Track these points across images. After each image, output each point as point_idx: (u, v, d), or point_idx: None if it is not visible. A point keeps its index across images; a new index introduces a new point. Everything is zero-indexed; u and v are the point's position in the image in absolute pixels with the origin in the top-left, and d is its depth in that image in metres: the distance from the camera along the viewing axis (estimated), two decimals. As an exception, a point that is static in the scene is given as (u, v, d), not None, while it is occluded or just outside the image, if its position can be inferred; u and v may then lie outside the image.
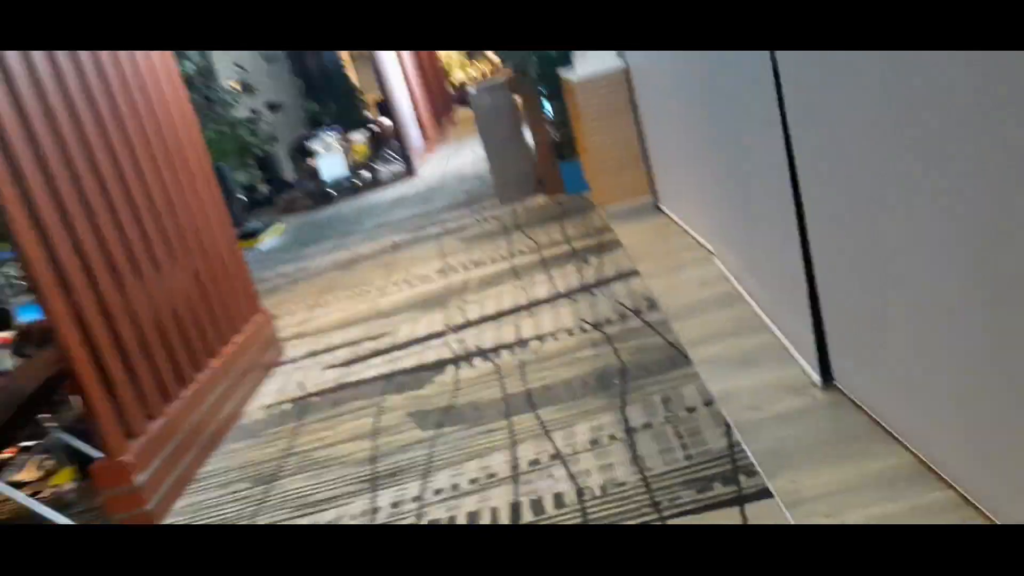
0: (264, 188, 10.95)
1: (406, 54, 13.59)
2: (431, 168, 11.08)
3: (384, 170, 11.43)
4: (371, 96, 20.39)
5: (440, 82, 19.35)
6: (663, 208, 4.92)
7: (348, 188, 10.55)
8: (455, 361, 3.52)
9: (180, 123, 3.97)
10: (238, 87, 12.06)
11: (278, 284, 6.30)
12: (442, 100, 18.26)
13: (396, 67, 12.15)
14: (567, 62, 5.95)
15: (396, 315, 4.52)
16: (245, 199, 9.78)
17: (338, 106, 16.69)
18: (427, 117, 13.90)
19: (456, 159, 11.40)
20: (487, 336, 3.72)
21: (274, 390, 3.86)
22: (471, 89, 6.98)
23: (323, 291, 5.63)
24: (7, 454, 3.38)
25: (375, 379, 3.60)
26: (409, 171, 10.78)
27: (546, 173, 6.52)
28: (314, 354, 4.25)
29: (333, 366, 3.96)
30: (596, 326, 3.42)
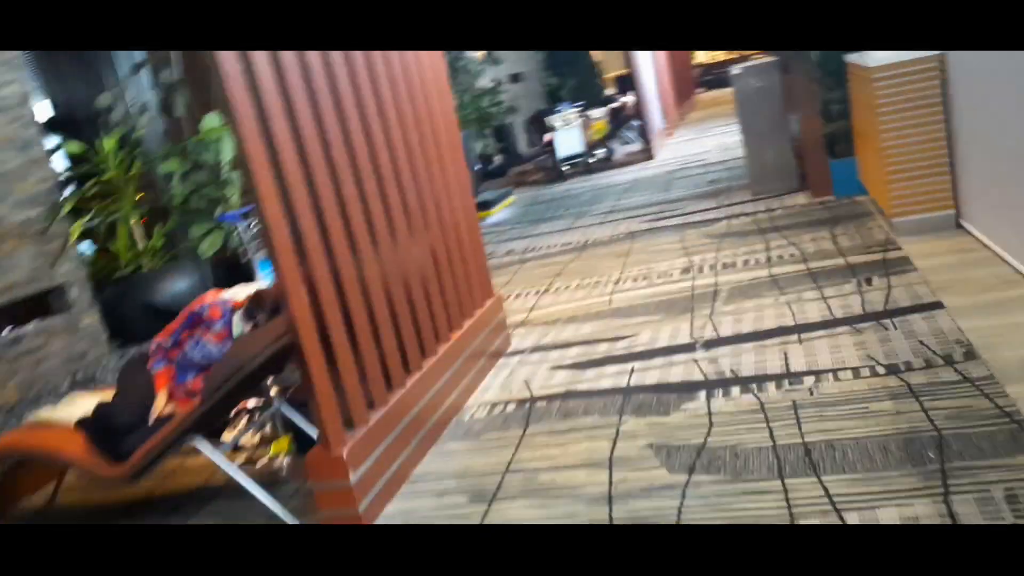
0: (499, 158, 10.90)
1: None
2: (670, 152, 10.46)
3: (621, 150, 10.97)
4: (611, 74, 19.97)
5: (684, 62, 18.47)
6: (967, 226, 4.05)
7: (582, 166, 10.22)
8: (707, 386, 3.01)
9: (434, 91, 3.75)
10: (482, 56, 12.09)
11: (506, 262, 6.07)
12: (685, 81, 17.40)
13: (645, 43, 11.56)
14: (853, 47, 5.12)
15: (634, 316, 4.06)
16: (481, 167, 9.74)
17: (577, 81, 16.44)
18: (670, 97, 13.22)
19: (697, 144, 10.68)
20: (746, 360, 3.16)
21: (498, 385, 3.56)
22: (734, 69, 6.30)
23: (553, 275, 5.30)
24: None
25: (611, 392, 3.17)
26: (647, 153, 10.23)
27: (812, 169, 5.73)
28: (542, 348, 3.91)
29: (563, 366, 3.59)
30: (894, 370, 2.76)
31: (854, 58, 4.95)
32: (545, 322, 4.34)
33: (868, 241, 4.38)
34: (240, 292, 2.94)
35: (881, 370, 2.77)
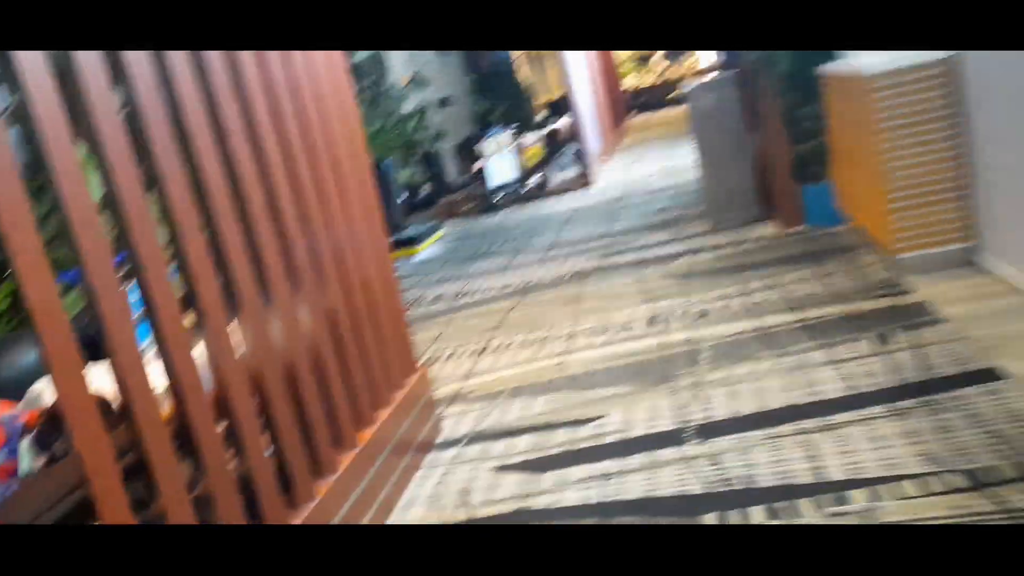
0: (427, 188, 10.03)
1: (589, 51, 12.36)
2: (610, 178, 9.77)
3: (558, 176, 10.25)
4: (544, 97, 19.40)
5: (615, 85, 18.05)
6: (987, 262, 3.37)
7: (517, 194, 9.44)
8: (714, 502, 2.18)
9: (336, 112, 2.88)
10: (408, 80, 11.27)
11: (436, 311, 5.19)
12: (618, 105, 16.92)
13: (580, 62, 10.92)
14: (828, 55, 4.47)
15: (597, 387, 3.23)
16: (404, 198, 8.86)
17: (509, 105, 15.76)
18: (606, 121, 12.62)
19: (637, 169, 10.03)
20: (759, 459, 2.35)
21: (425, 496, 2.66)
22: (687, 85, 5.61)
23: (492, 328, 4.44)
24: None
25: (580, 510, 2.32)
26: (586, 179, 9.52)
27: (780, 196, 5.05)
28: (483, 437, 3.03)
29: (511, 466, 2.73)
30: (978, 481, 1.98)
31: (834, 67, 4.29)
32: (485, 395, 3.47)
33: (866, 282, 3.66)
34: (46, 399, 1.99)
35: (960, 480, 2.00)
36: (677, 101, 22.77)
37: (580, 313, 4.32)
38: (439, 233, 8.07)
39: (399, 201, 7.82)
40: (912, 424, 2.32)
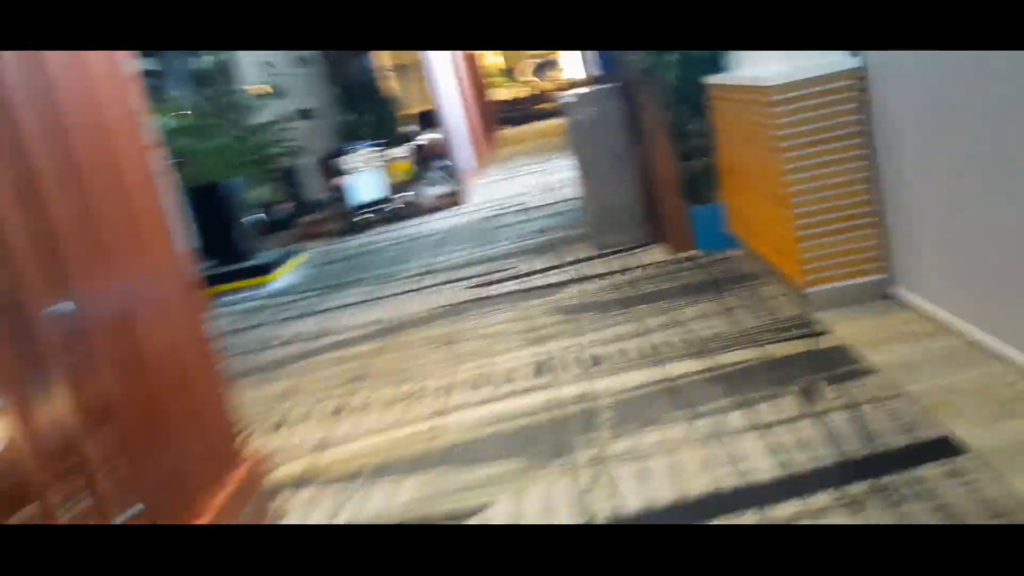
0: (285, 207, 9.18)
1: (457, 62, 11.83)
2: (484, 194, 9.27)
3: (427, 193, 9.64)
4: (413, 109, 18.75)
5: (484, 97, 17.66)
6: (904, 295, 3.04)
7: (384, 213, 8.76)
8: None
9: (118, 122, 2.17)
10: (265, 90, 10.36)
11: (288, 355, 4.46)
12: (488, 117, 16.51)
13: (448, 73, 10.37)
14: (716, 65, 4.11)
15: (479, 462, 2.65)
16: (262, 218, 8.00)
17: (376, 118, 15.01)
18: (478, 134, 12.13)
19: (513, 185, 9.58)
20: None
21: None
22: (566, 96, 5.16)
23: (352, 380, 3.78)
24: None
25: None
26: (457, 196, 8.96)
27: (668, 218, 4.66)
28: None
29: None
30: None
31: (723, 78, 3.92)
32: (341, 475, 2.81)
33: (775, 319, 3.27)
34: None
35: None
36: (548, 114, 22.73)
37: (456, 358, 3.73)
38: (298, 259, 7.28)
39: (249, 222, 6.98)
40: (871, 517, 1.87)
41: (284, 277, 6.75)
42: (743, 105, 3.55)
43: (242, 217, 6.77)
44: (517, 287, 4.77)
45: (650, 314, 3.70)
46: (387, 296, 5.30)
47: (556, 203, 7.46)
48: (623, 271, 4.55)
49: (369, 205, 8.59)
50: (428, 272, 5.76)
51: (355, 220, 8.52)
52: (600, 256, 5.01)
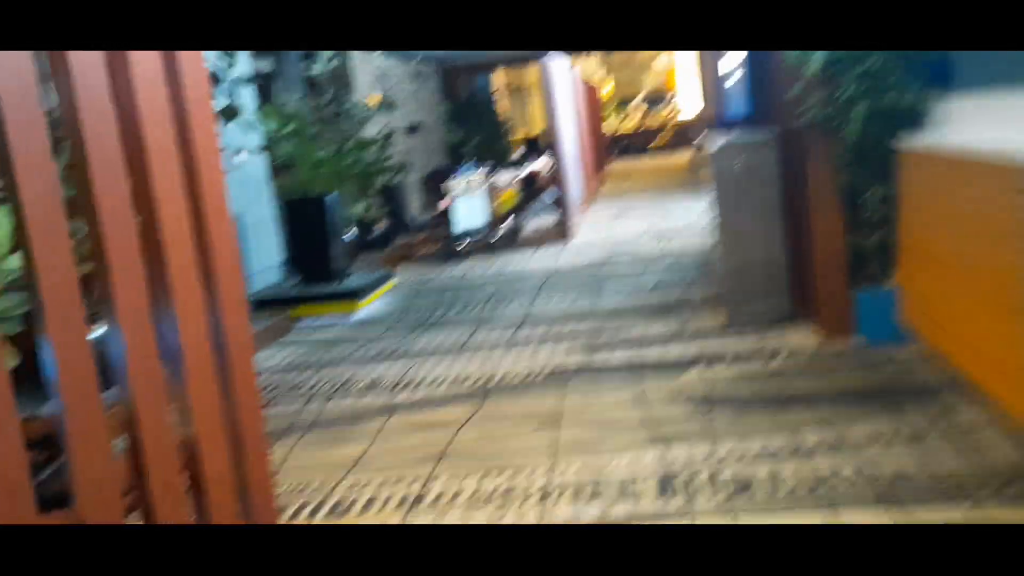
0: (382, 225, 8.76)
1: (577, 86, 11.26)
2: (591, 233, 8.61)
3: (532, 224, 9.07)
4: (522, 133, 18.31)
5: (599, 127, 17.06)
6: None
7: (485, 242, 8.22)
8: None
9: (201, 136, 1.64)
10: (377, 100, 10.04)
11: (364, 408, 3.89)
12: (600, 149, 15.89)
13: (567, 97, 9.80)
14: (912, 123, 3.35)
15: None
16: (354, 235, 7.57)
17: (483, 138, 14.60)
18: (589, 166, 11.51)
19: (623, 225, 8.90)
20: None
21: None
22: (710, 142, 4.46)
23: (433, 458, 3.16)
24: None
25: None
26: (564, 231, 8.35)
27: (823, 295, 3.89)
28: None
29: None
30: None
31: (925, 142, 3.16)
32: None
33: (988, 462, 2.48)
34: None
35: None
36: (659, 150, 21.94)
37: (558, 448, 3.07)
38: (389, 283, 6.79)
39: (344, 240, 6.54)
40: None
41: (373, 304, 6.25)
42: (965, 180, 2.79)
43: (337, 235, 6.32)
44: (631, 358, 4.08)
45: (807, 424, 2.95)
46: (480, 346, 4.70)
47: (675, 254, 6.74)
48: (764, 356, 3.81)
49: (470, 232, 8.06)
50: (528, 321, 5.13)
51: (454, 247, 8.01)
52: (733, 331, 4.28)
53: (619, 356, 4.14)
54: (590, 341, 4.47)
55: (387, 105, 10.16)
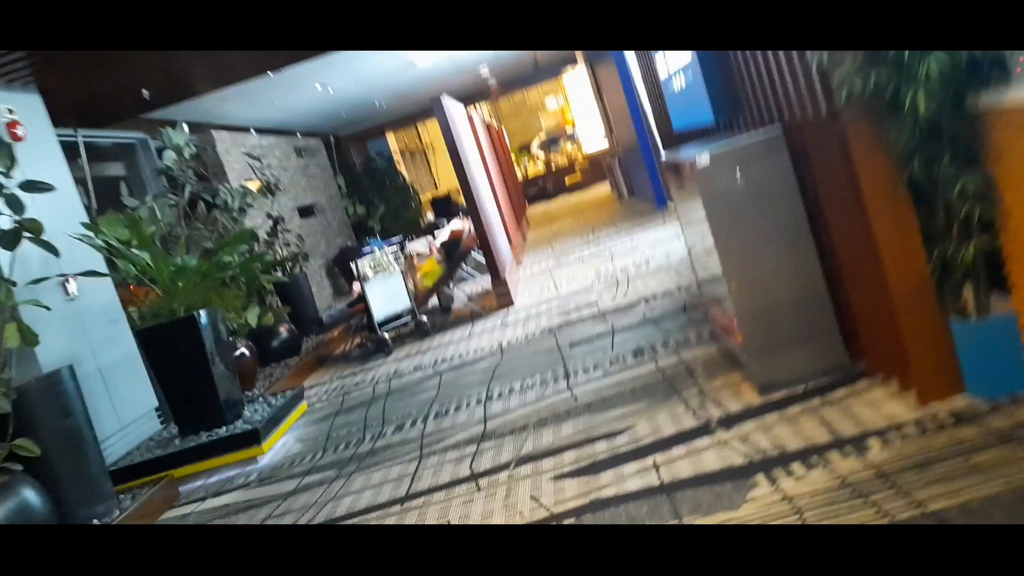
0: (285, 329, 7.31)
1: (482, 134, 10.13)
2: (532, 291, 7.37)
3: (463, 297, 7.78)
4: (426, 195, 17.11)
5: (513, 172, 16.02)
6: None
7: (412, 327, 6.87)
8: None
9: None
10: (255, 186, 8.64)
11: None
12: (517, 197, 14.81)
13: (473, 147, 8.64)
14: (986, 72, 2.23)
15: None
16: (242, 355, 6.10)
17: (389, 208, 13.31)
18: (511, 217, 10.34)
19: (564, 275, 7.69)
20: None
21: None
22: (695, 154, 3.26)
23: None
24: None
25: None
26: (504, 297, 7.07)
27: (912, 337, 2.69)
28: None
29: None
30: None
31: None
32: None
33: None
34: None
35: None
36: (569, 188, 21.06)
37: None
38: (299, 408, 5.35)
39: (225, 369, 5.08)
40: None
41: (282, 442, 4.81)
42: None
43: (217, 362, 4.87)
44: (648, 480, 2.79)
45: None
46: (427, 491, 3.33)
47: (639, 303, 5.53)
48: (848, 443, 2.58)
49: (392, 318, 6.71)
50: (488, 438, 3.80)
51: (376, 339, 6.64)
52: (772, 405, 3.04)
53: (629, 480, 2.83)
54: (579, 461, 3.16)
55: (269, 189, 8.79)
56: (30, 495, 3.55)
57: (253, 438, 4.60)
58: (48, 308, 4.15)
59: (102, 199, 6.34)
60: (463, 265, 7.86)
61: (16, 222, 3.72)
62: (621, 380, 3.98)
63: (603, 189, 17.85)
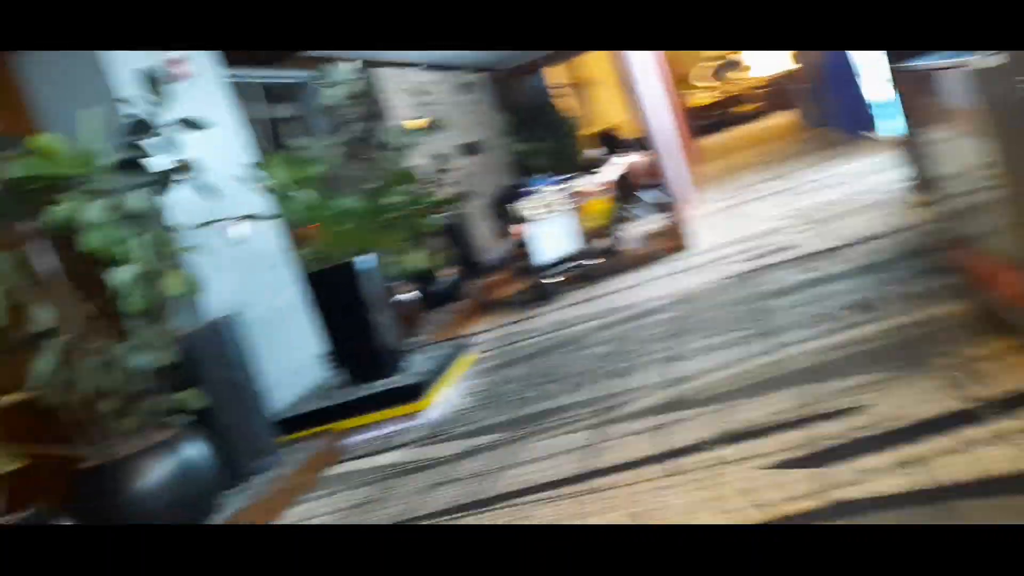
0: (450, 272, 7.02)
1: (650, 65, 9.30)
2: (712, 232, 6.64)
3: (636, 238, 7.18)
4: (592, 129, 16.38)
5: (683, 105, 14.98)
6: None
7: (580, 272, 6.37)
8: None
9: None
10: (418, 126, 8.36)
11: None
12: (689, 130, 13.81)
13: (652, 78, 7.88)
14: None
15: None
16: (415, 297, 5.87)
17: (552, 145, 12.76)
18: (684, 151, 9.51)
19: (748, 216, 6.88)
20: None
21: None
22: (970, 59, 2.46)
23: None
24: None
25: None
26: (678, 240, 6.40)
27: None
28: None
29: None
30: None
31: None
32: None
33: None
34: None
35: None
36: (743, 119, 19.54)
37: None
38: (464, 359, 5.02)
39: (388, 317, 4.81)
40: None
41: (446, 396, 4.49)
42: None
43: (379, 309, 4.60)
44: (908, 480, 2.13)
45: None
46: (607, 469, 2.84)
47: (852, 244, 4.71)
48: None
49: (559, 262, 6.23)
50: (675, 405, 3.24)
51: (541, 284, 6.20)
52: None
53: (888, 483, 2.19)
54: (802, 446, 2.54)
55: (434, 127, 8.48)
56: (195, 450, 3.41)
57: (414, 392, 4.30)
58: (211, 255, 3.98)
59: (273, 140, 6.23)
60: (634, 203, 7.22)
61: (169, 164, 3.51)
62: (842, 342, 3.28)
63: (783, 118, 16.41)
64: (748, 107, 19.77)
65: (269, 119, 6.80)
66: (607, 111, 18.66)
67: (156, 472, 3.23)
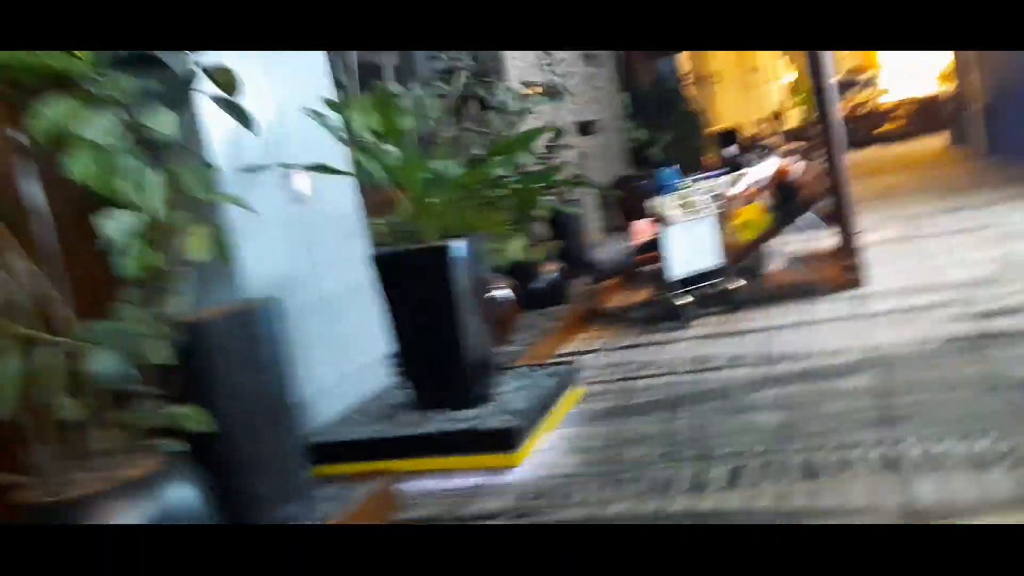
0: (552, 268, 5.80)
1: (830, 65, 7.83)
2: (891, 266, 5.24)
3: (790, 260, 5.84)
4: (717, 127, 14.89)
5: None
6: None
7: (716, 293, 5.07)
8: None
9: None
10: (537, 91, 7.15)
11: None
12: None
13: (829, 72, 6.45)
14: None
15: None
16: (508, 297, 4.70)
17: (675, 137, 11.39)
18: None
19: (934, 252, 5.45)
20: None
21: None
22: None
23: None
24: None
25: None
26: (852, 271, 5.03)
27: None
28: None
29: None
30: None
31: None
32: None
33: None
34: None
35: None
36: (891, 138, 17.62)
37: None
38: (569, 396, 3.80)
39: (482, 322, 3.65)
40: None
41: (543, 448, 3.29)
42: None
43: (471, 315, 3.43)
44: None
45: None
46: None
47: None
48: None
49: (697, 276, 4.95)
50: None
51: (671, 302, 4.93)
52: None
53: None
54: None
55: (552, 95, 7.28)
56: (180, 495, 2.31)
57: (507, 439, 3.11)
58: (255, 211, 2.89)
59: (359, 80, 5.12)
60: (794, 216, 5.85)
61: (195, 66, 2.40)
62: None
63: (930, 143, 14.60)
64: (890, 126, 17.88)
65: (364, 63, 5.68)
66: (729, 110, 17.11)
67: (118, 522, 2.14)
